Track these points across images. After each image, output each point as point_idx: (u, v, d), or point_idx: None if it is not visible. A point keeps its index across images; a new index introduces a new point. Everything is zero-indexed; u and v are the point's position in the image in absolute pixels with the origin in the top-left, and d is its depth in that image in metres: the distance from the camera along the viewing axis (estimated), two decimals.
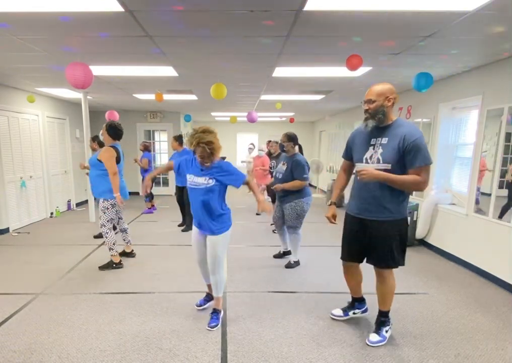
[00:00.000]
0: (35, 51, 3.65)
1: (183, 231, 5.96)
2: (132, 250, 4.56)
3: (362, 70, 4.41)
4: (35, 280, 3.78)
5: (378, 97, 2.38)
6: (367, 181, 2.35)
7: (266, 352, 2.51)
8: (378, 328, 2.68)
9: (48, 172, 7.00)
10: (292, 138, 4.12)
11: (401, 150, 2.32)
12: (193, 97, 6.94)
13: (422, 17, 2.66)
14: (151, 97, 6.61)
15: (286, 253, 4.53)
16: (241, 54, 3.78)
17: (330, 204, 2.84)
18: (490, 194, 3.90)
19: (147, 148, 7.51)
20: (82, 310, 3.11)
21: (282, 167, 4.14)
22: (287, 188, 3.99)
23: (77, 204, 8.18)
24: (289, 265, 4.24)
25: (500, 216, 3.73)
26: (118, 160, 4.05)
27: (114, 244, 4.06)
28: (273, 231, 5.64)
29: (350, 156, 2.71)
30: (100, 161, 4.00)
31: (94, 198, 4.18)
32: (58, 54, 3.79)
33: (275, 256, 4.57)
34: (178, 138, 6.15)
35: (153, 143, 10.58)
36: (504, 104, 3.71)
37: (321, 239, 5.42)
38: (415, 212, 5.17)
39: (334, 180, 8.88)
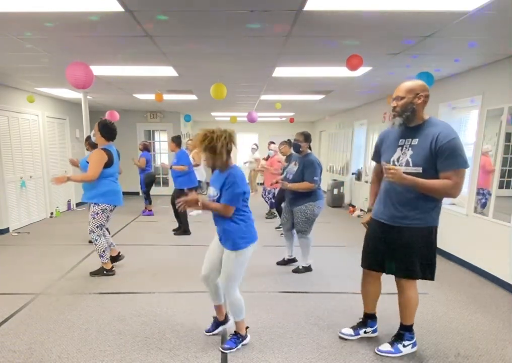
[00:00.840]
0: (35, 51, 3.65)
1: (175, 234, 5.75)
2: (119, 253, 4.20)
3: (362, 70, 4.41)
4: (35, 280, 3.78)
5: (407, 93, 2.21)
6: (394, 181, 2.17)
7: (266, 352, 2.51)
8: (393, 340, 2.52)
9: (48, 172, 6.99)
10: (308, 138, 3.94)
11: (434, 152, 2.14)
12: (193, 97, 6.94)
13: (422, 17, 2.66)
14: (151, 97, 6.61)
15: (291, 260, 4.30)
16: (241, 54, 3.78)
17: (368, 211, 2.65)
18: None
19: (146, 148, 7.42)
20: (82, 310, 3.10)
21: (293, 167, 3.96)
22: (294, 188, 3.83)
23: (77, 204, 8.17)
24: (296, 270, 4.06)
25: None
26: (110, 164, 3.76)
27: (104, 251, 3.84)
28: (281, 234, 5.32)
29: (380, 158, 2.50)
30: (88, 162, 3.74)
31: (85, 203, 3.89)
32: (58, 54, 3.79)
33: (279, 263, 4.31)
34: (176, 139, 5.89)
35: (153, 143, 10.58)
36: (504, 104, 3.71)
37: (322, 239, 5.41)
38: None
39: (335, 180, 8.88)
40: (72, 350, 2.51)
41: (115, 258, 4.13)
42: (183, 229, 5.78)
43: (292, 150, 4.86)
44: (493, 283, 3.77)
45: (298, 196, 3.88)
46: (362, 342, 2.65)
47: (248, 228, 2.43)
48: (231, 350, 2.51)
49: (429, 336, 2.74)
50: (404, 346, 2.48)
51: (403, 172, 2.14)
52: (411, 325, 2.50)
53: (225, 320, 2.75)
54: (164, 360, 2.41)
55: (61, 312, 3.07)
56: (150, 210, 7.40)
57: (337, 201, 8.66)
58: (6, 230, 5.75)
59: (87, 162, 3.75)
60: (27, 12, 2.61)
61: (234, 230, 2.39)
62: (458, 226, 4.42)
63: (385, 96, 6.35)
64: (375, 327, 2.75)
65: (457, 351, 2.55)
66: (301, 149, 3.94)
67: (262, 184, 8.47)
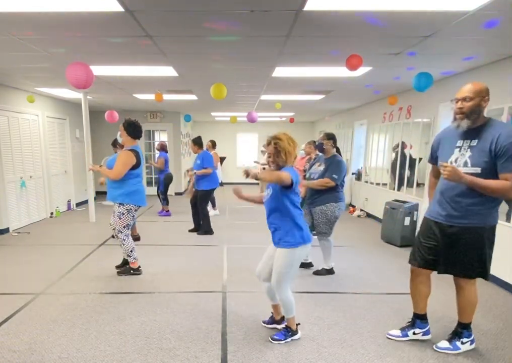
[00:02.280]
0: (35, 51, 3.65)
1: (198, 234, 5.78)
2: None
3: (362, 70, 4.41)
4: (35, 280, 3.78)
5: (475, 94, 2.15)
6: (451, 180, 2.14)
7: (266, 352, 2.51)
8: (452, 337, 2.53)
9: (48, 172, 7.00)
10: (331, 137, 3.90)
11: (493, 153, 2.12)
12: (193, 97, 6.95)
13: (422, 17, 2.66)
14: (151, 97, 6.61)
15: (307, 265, 4.14)
16: (241, 54, 3.78)
17: None
18: None
19: (164, 148, 7.32)
20: (82, 310, 3.10)
21: (318, 168, 3.91)
22: (311, 186, 3.75)
23: (77, 204, 8.18)
24: (318, 272, 3.99)
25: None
26: (137, 165, 3.79)
27: (131, 251, 3.86)
28: None
29: (436, 160, 2.48)
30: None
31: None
32: (58, 54, 3.79)
33: (316, 273, 4.06)
34: (198, 141, 5.81)
35: (153, 143, 10.57)
36: (504, 104, 3.71)
37: None
38: (415, 212, 5.17)
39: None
40: (72, 350, 2.51)
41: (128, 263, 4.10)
42: (204, 229, 5.77)
43: (316, 152, 4.89)
44: (493, 283, 3.76)
45: (319, 197, 3.82)
46: (361, 342, 2.65)
47: (302, 226, 2.51)
48: (279, 342, 2.61)
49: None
50: (462, 343, 2.50)
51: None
52: (470, 323, 2.52)
53: (280, 321, 2.79)
54: (164, 360, 2.41)
55: (61, 312, 3.07)
56: (168, 211, 7.37)
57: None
58: (6, 230, 5.75)
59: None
60: (28, 12, 2.61)
61: (287, 229, 2.48)
62: None
63: (385, 96, 6.36)
64: (426, 329, 2.66)
65: (457, 351, 2.55)
66: (324, 147, 3.90)
67: None
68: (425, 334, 2.65)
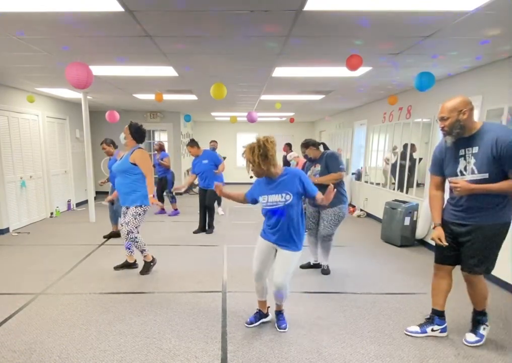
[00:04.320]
0: (35, 51, 3.65)
1: (207, 233, 5.89)
2: (135, 261, 4.21)
3: (362, 70, 4.41)
4: (35, 280, 3.78)
5: (450, 113, 2.30)
6: (463, 194, 2.33)
7: (266, 352, 2.51)
8: (474, 327, 2.65)
9: (48, 172, 7.00)
10: (305, 145, 3.93)
11: (496, 156, 2.21)
12: (193, 97, 6.95)
13: (422, 17, 2.66)
14: (151, 97, 6.62)
15: (317, 265, 4.17)
16: (241, 54, 3.77)
17: (434, 227, 2.62)
18: None
19: (162, 148, 7.51)
20: (82, 310, 3.11)
21: (315, 168, 3.94)
22: (322, 181, 3.66)
23: (77, 204, 8.18)
24: (325, 272, 4.03)
25: None
26: None
27: (144, 245, 3.91)
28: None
29: (441, 171, 2.55)
30: (134, 164, 3.72)
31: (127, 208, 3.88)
32: (58, 54, 3.79)
33: (303, 267, 4.15)
34: (195, 143, 5.86)
35: (153, 143, 10.57)
36: (504, 104, 3.71)
37: None
38: (415, 212, 5.17)
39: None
40: (72, 350, 2.52)
41: (130, 265, 4.15)
42: (210, 227, 5.97)
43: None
44: (493, 283, 3.76)
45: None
46: (361, 342, 2.65)
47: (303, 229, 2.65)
48: (283, 330, 2.79)
49: (429, 336, 2.73)
50: (484, 329, 2.63)
51: (470, 180, 2.30)
52: (484, 310, 2.63)
53: (267, 314, 2.94)
54: (164, 360, 2.41)
55: (61, 312, 3.08)
56: (176, 209, 7.47)
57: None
58: (6, 230, 5.75)
59: (133, 164, 3.72)
60: (28, 12, 2.61)
61: (297, 234, 2.58)
62: None
63: (385, 96, 6.37)
64: (444, 326, 2.73)
65: (457, 351, 2.55)
66: (311, 157, 3.96)
67: None
68: (442, 331, 2.73)
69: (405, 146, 6.03)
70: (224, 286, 3.69)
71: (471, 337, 2.62)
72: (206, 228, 6.00)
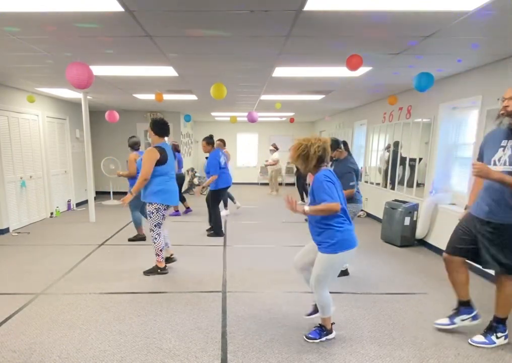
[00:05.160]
0: (35, 51, 3.65)
1: (208, 236, 5.67)
2: (172, 254, 4.21)
3: (362, 70, 4.41)
4: (35, 280, 3.78)
5: None
6: (479, 176, 2.31)
7: (266, 352, 2.51)
8: (486, 332, 2.61)
9: (48, 172, 7.00)
10: (333, 146, 3.68)
11: None
12: (193, 97, 6.94)
13: (422, 17, 2.66)
14: (151, 97, 6.61)
15: (343, 272, 3.97)
16: (241, 54, 3.77)
17: (465, 209, 2.72)
18: None
19: (176, 148, 7.21)
20: (82, 310, 3.11)
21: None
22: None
23: (77, 204, 8.18)
24: (345, 273, 3.96)
25: None
26: (163, 161, 3.73)
27: (161, 250, 3.89)
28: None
29: (481, 160, 2.56)
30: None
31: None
32: (58, 54, 3.79)
33: None
34: (211, 141, 5.67)
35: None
36: None
37: None
38: (415, 212, 5.17)
39: None
40: (72, 350, 2.52)
41: (168, 259, 4.13)
42: (215, 231, 5.68)
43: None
44: (493, 283, 3.75)
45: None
46: (361, 342, 2.65)
47: (342, 233, 2.42)
48: (314, 341, 2.64)
49: (429, 336, 2.74)
50: (497, 337, 2.58)
51: (502, 171, 2.28)
52: (506, 319, 2.59)
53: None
54: (164, 360, 2.41)
55: (61, 312, 3.08)
56: (177, 211, 7.37)
57: None
58: (6, 230, 5.75)
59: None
60: (28, 12, 2.61)
61: (328, 235, 2.42)
62: None
63: (385, 96, 6.36)
64: (474, 313, 2.70)
65: (457, 351, 2.55)
66: (334, 158, 3.89)
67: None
68: (473, 318, 2.70)
69: (395, 144, 6.10)
70: (223, 286, 3.69)
71: (478, 338, 2.60)
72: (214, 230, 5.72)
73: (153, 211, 3.79)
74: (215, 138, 7.04)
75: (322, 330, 2.67)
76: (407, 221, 5.13)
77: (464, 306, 2.71)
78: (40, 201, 6.80)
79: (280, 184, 11.35)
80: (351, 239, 2.46)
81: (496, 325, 2.59)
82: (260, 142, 13.39)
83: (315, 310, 2.81)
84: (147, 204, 3.81)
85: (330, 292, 2.56)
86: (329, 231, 2.41)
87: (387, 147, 6.56)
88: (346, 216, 2.48)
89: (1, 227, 5.68)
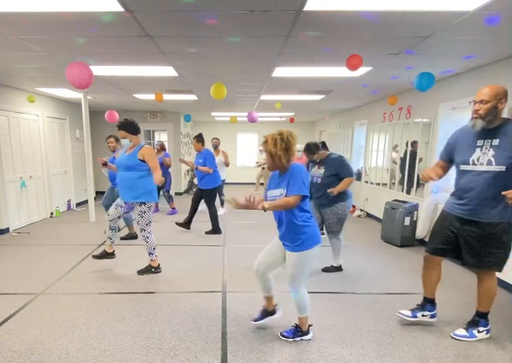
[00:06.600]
0: (35, 51, 3.65)
1: (206, 233, 5.82)
2: (113, 251, 4.10)
3: (362, 70, 4.41)
4: (35, 280, 3.78)
5: (492, 98, 2.31)
6: None
7: (266, 352, 2.51)
8: (468, 326, 2.69)
9: (48, 172, 7.00)
10: (311, 150, 3.89)
11: None
12: (193, 97, 6.95)
13: (422, 17, 2.66)
14: (151, 97, 6.61)
15: (338, 268, 4.10)
16: (241, 54, 3.77)
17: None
18: None
19: (164, 147, 7.66)
20: (82, 310, 3.11)
21: (318, 170, 3.94)
22: (341, 190, 3.77)
23: (77, 204, 8.18)
24: (326, 269, 4.06)
25: None
26: None
27: (154, 249, 3.92)
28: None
29: (449, 158, 2.62)
30: (142, 160, 3.74)
31: (125, 203, 3.83)
32: (58, 54, 3.79)
33: (324, 270, 4.08)
34: (201, 139, 5.86)
35: (153, 143, 10.58)
36: None
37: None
38: (415, 212, 5.17)
39: None
40: (72, 350, 2.52)
41: (110, 254, 4.06)
42: (213, 228, 5.85)
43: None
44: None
45: (327, 197, 3.86)
46: (361, 342, 2.65)
47: (311, 228, 2.44)
48: (288, 339, 2.64)
49: (429, 336, 2.74)
50: (479, 331, 2.65)
51: (485, 171, 2.34)
52: (487, 313, 2.66)
53: (273, 312, 2.83)
54: (164, 360, 2.41)
55: (61, 312, 3.08)
56: (174, 208, 7.50)
57: None
58: (6, 230, 5.75)
59: (141, 160, 3.76)
60: (28, 12, 2.61)
61: (297, 232, 2.41)
62: None
63: (385, 96, 6.36)
64: (434, 312, 2.84)
65: (457, 351, 2.55)
66: (316, 160, 3.97)
67: None
68: (432, 316, 2.85)
69: (413, 143, 6.02)
70: (223, 286, 3.69)
71: (460, 331, 2.67)
72: (204, 228, 5.90)
73: (146, 210, 3.81)
74: (215, 139, 7.17)
75: (297, 330, 2.65)
76: (407, 221, 5.13)
77: (430, 303, 2.84)
78: (40, 201, 6.80)
79: (261, 184, 11.22)
80: (317, 234, 2.48)
81: (478, 320, 2.66)
82: (260, 142, 13.37)
83: (263, 316, 2.81)
84: (139, 204, 3.77)
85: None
86: (300, 228, 2.40)
87: (395, 147, 6.47)
88: (309, 211, 2.50)
89: (1, 227, 5.68)
